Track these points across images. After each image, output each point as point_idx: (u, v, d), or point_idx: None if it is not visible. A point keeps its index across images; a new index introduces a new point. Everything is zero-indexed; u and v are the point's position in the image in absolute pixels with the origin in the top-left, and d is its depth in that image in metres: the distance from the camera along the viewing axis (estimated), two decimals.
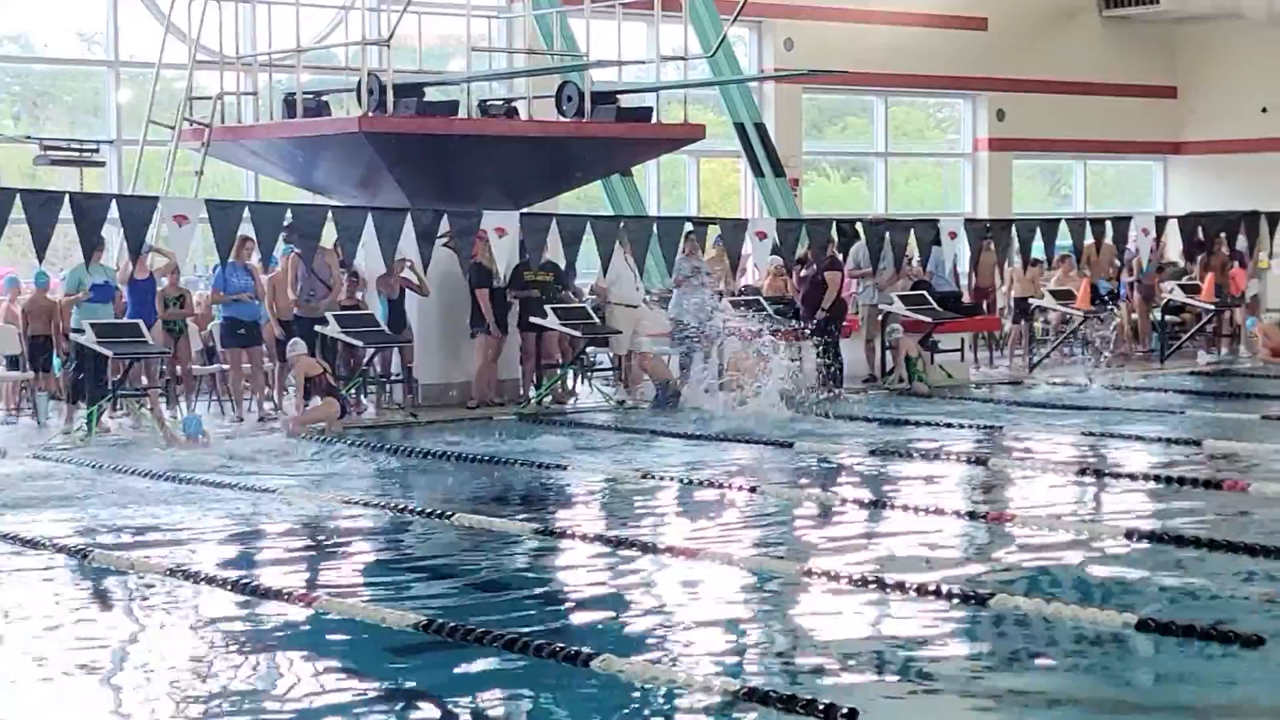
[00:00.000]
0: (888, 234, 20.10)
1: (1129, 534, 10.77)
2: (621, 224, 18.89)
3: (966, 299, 22.44)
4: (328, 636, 8.85)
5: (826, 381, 19.07)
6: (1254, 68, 28.53)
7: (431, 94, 18.28)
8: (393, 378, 18.56)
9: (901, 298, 20.53)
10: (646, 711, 7.45)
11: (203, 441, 15.61)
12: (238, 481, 13.44)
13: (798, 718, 7.07)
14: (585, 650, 8.01)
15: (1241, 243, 23.75)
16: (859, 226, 20.54)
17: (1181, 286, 23.67)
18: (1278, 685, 7.61)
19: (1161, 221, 21.88)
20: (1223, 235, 23.68)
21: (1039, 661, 8.15)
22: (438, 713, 7.45)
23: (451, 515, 11.80)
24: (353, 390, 17.80)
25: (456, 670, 8.02)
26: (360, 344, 17.70)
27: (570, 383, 19.35)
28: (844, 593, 9.44)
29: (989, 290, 23.08)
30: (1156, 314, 23.61)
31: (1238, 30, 28.85)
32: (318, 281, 17.65)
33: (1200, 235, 22.67)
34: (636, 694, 7.56)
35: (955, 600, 9.11)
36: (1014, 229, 21.17)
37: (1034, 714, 7.34)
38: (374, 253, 17.39)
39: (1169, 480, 12.99)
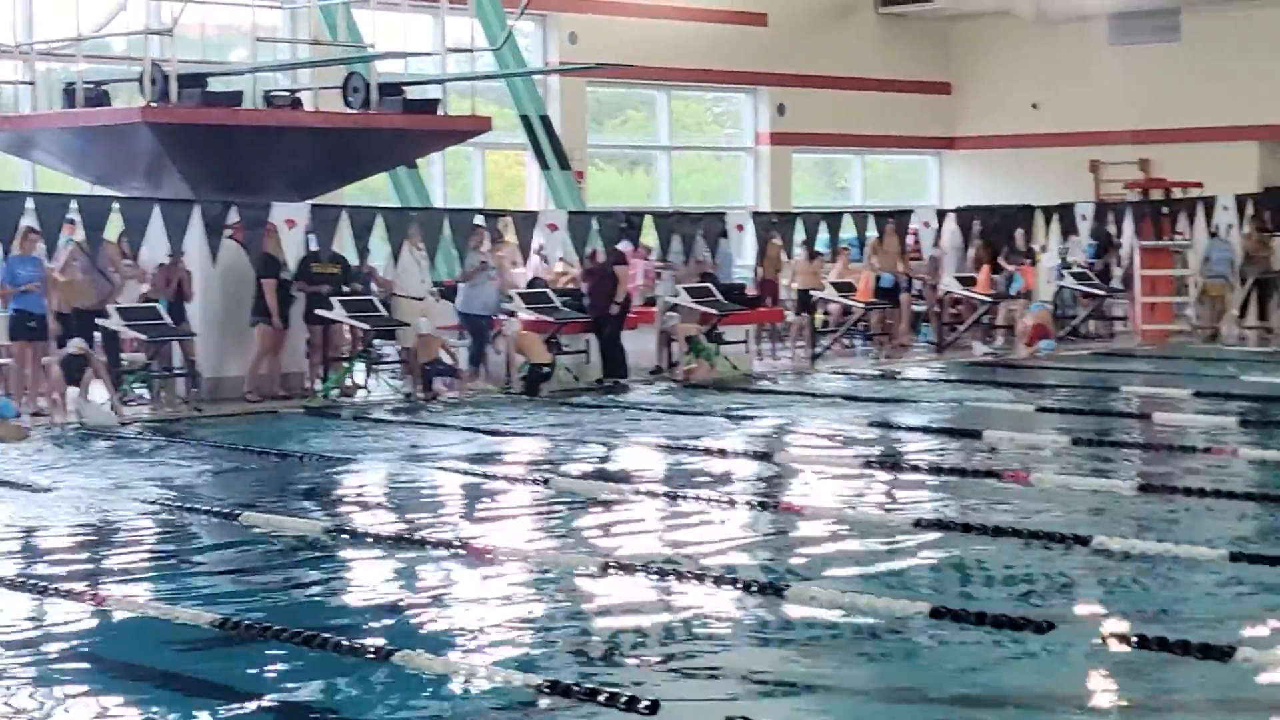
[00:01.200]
0: (676, 227, 20.28)
1: (917, 523, 11.01)
2: (413, 216, 18.81)
3: (752, 292, 22.72)
4: (114, 634, 8.71)
5: (611, 372, 19.26)
6: (1025, 65, 29.25)
7: (215, 84, 18.04)
8: (175, 371, 18.26)
9: (687, 289, 20.74)
10: (447, 707, 7.44)
11: (25, 425, 15.29)
12: (16, 479, 13.17)
13: (600, 709, 7.13)
14: (385, 645, 8.00)
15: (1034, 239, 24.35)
16: (648, 219, 20.71)
17: (958, 279, 24.23)
18: (1067, 670, 7.83)
19: (941, 214, 22.34)
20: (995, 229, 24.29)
21: (832, 650, 8.29)
22: (233, 709, 7.37)
23: (238, 516, 11.65)
24: (134, 384, 17.51)
25: (251, 669, 7.94)
26: (144, 338, 17.40)
27: (358, 376, 19.20)
28: (639, 584, 9.52)
29: (775, 283, 23.37)
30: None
31: (1009, 28, 29.56)
32: (100, 274, 17.33)
33: (976, 228, 23.16)
34: (437, 689, 7.56)
35: (750, 590, 9.24)
36: (799, 221, 21.47)
37: (828, 702, 7.46)
38: (156, 245, 17.13)
39: (952, 470, 13.29)
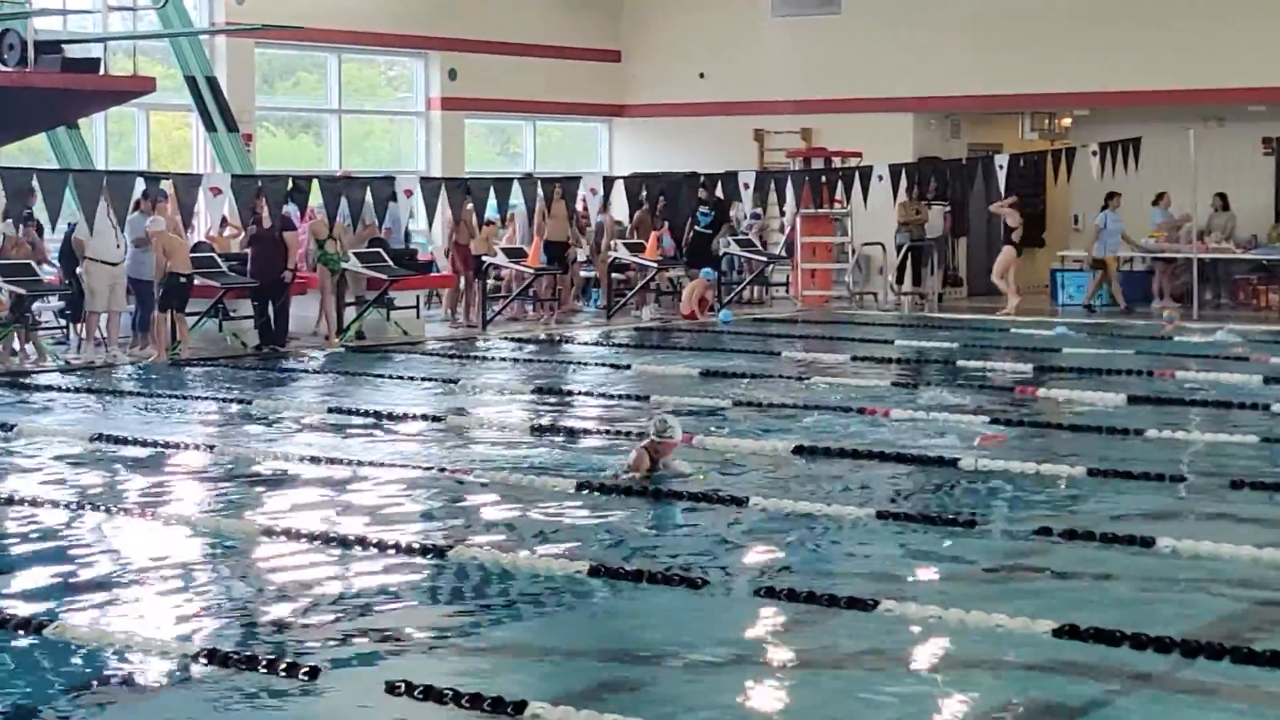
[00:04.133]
0: (345, 191, 20.11)
1: (580, 486, 11.19)
2: (105, 180, 18.29)
3: (425, 257, 22.69)
4: None
5: (271, 339, 19.20)
6: (692, 35, 29.68)
7: None
8: None
9: (358, 255, 20.66)
10: (106, 675, 7.36)
11: None
12: None
13: (259, 677, 7.15)
14: (37, 616, 7.89)
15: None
16: (315, 183, 20.49)
17: (626, 245, 24.60)
18: (726, 625, 8.08)
19: (608, 181, 22.58)
20: (662, 197, 24.72)
21: (499, 610, 8.41)
22: None
23: None
24: None
25: None
26: None
27: (18, 341, 18.66)
28: (304, 551, 9.53)
29: (468, 249, 23.19)
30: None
31: None
32: None
33: (644, 195, 23.45)
34: (93, 659, 7.48)
35: (415, 553, 9.33)
36: (467, 187, 21.48)
37: (493, 661, 7.59)
38: None
39: (618, 434, 13.52)
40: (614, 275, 24.94)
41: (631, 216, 24.61)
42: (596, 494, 10.97)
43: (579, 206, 23.98)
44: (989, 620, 7.82)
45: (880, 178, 22.44)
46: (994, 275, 25.04)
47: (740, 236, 26.15)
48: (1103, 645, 7.48)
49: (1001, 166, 22.68)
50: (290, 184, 19.34)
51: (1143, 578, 8.91)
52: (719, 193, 23.69)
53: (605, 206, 23.68)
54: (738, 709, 6.87)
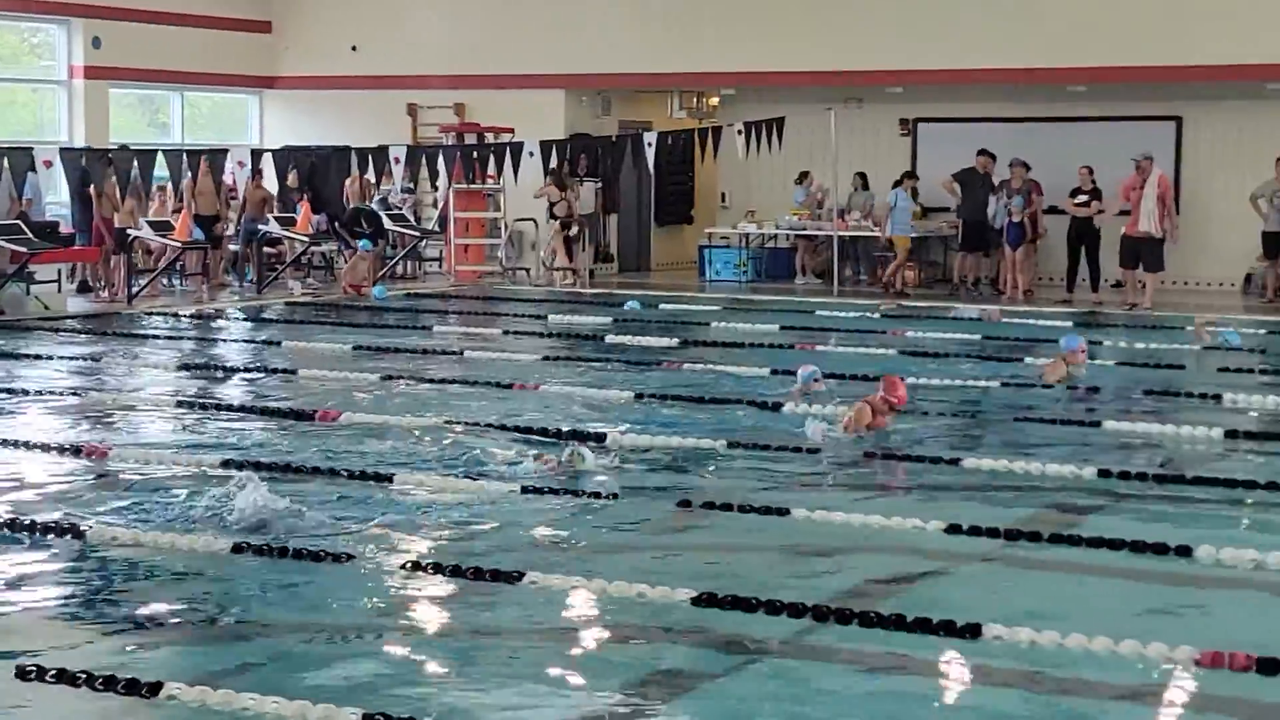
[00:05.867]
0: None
1: (225, 463, 11.05)
2: None
3: (67, 230, 22.06)
4: None
5: None
6: (345, 7, 29.42)
7: None
8: None
9: None
10: None
11: None
12: None
13: None
14: None
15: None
16: None
17: (277, 219, 24.30)
18: (367, 599, 8.07)
19: (256, 154, 22.27)
20: (295, 172, 24.50)
21: (138, 591, 8.27)
22: None
23: None
24: None
25: None
26: None
27: None
28: None
29: (111, 221, 22.56)
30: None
31: None
32: None
33: (292, 169, 23.20)
34: None
35: (51, 533, 9.11)
36: (110, 158, 20.99)
37: (132, 641, 7.44)
38: None
39: (264, 411, 13.39)
40: (265, 249, 24.61)
41: (280, 189, 24.31)
42: (241, 471, 10.83)
43: (227, 179, 23.59)
44: (630, 590, 7.99)
45: (531, 154, 22.59)
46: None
47: (394, 212, 26.07)
48: (739, 612, 7.70)
49: (650, 144, 23.03)
50: None
51: (780, 547, 9.19)
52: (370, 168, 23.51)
53: (255, 179, 23.33)
54: (383, 680, 6.88)
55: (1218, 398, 14.28)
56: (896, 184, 25.33)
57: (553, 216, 26.23)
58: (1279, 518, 9.96)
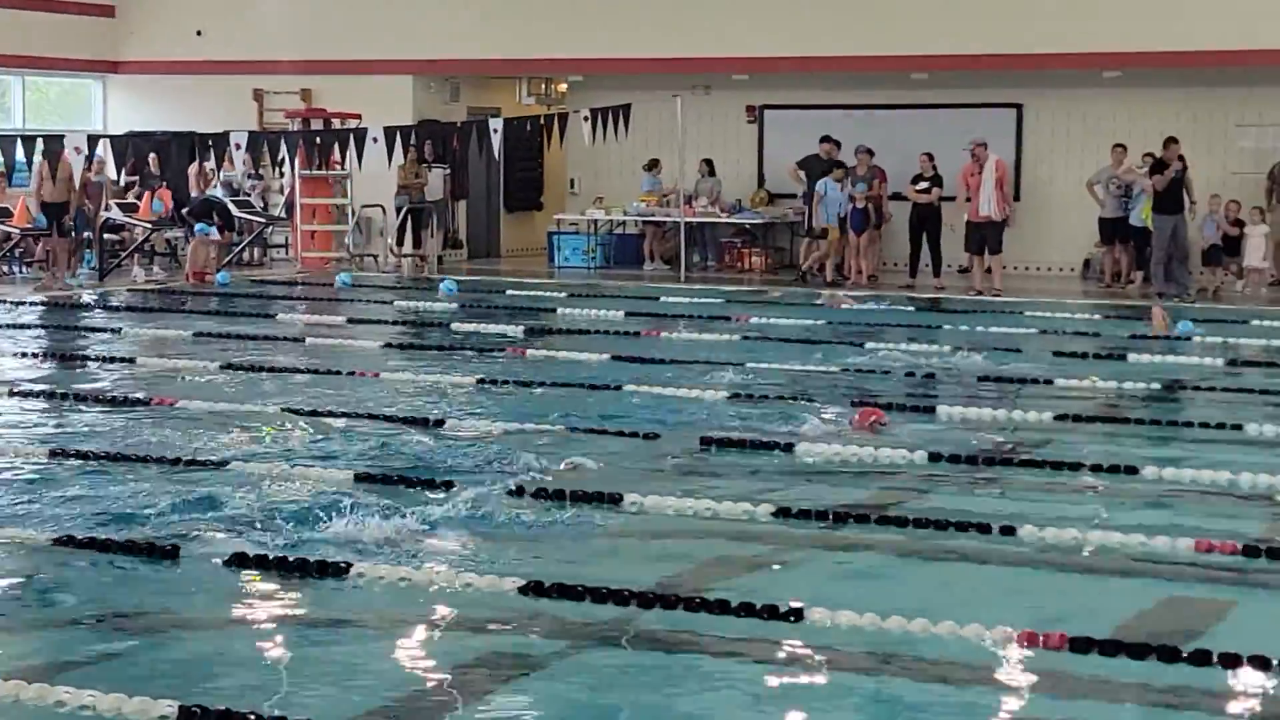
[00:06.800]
0: None
1: (54, 453, 10.90)
2: None
3: None
4: None
5: None
6: None
7: None
8: None
9: None
10: None
11: None
12: None
13: None
14: None
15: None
16: None
17: (120, 205, 23.97)
18: (191, 593, 8.00)
19: (93, 140, 21.89)
20: (154, 156, 24.23)
21: None
22: None
23: None
24: None
25: None
26: None
27: None
28: None
29: None
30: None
31: None
32: None
33: (132, 154, 22.83)
34: None
35: None
36: None
37: None
38: None
39: (99, 399, 13.21)
40: (108, 236, 24.27)
41: (120, 176, 23.94)
42: (72, 461, 10.70)
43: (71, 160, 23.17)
44: (457, 579, 7.99)
45: (375, 140, 22.40)
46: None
47: (240, 198, 25.81)
48: (566, 600, 7.73)
49: (497, 130, 22.96)
50: None
51: (614, 535, 9.23)
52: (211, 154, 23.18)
53: (92, 165, 22.95)
54: (201, 673, 6.83)
55: (1050, 382, 14.54)
56: (824, 173, 25.09)
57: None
58: (1105, 498, 10.15)
